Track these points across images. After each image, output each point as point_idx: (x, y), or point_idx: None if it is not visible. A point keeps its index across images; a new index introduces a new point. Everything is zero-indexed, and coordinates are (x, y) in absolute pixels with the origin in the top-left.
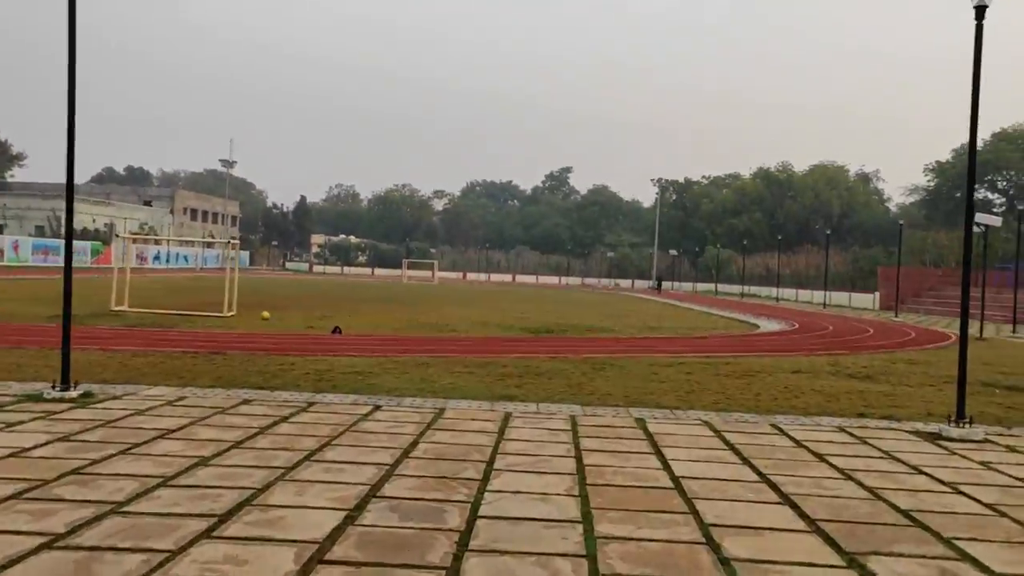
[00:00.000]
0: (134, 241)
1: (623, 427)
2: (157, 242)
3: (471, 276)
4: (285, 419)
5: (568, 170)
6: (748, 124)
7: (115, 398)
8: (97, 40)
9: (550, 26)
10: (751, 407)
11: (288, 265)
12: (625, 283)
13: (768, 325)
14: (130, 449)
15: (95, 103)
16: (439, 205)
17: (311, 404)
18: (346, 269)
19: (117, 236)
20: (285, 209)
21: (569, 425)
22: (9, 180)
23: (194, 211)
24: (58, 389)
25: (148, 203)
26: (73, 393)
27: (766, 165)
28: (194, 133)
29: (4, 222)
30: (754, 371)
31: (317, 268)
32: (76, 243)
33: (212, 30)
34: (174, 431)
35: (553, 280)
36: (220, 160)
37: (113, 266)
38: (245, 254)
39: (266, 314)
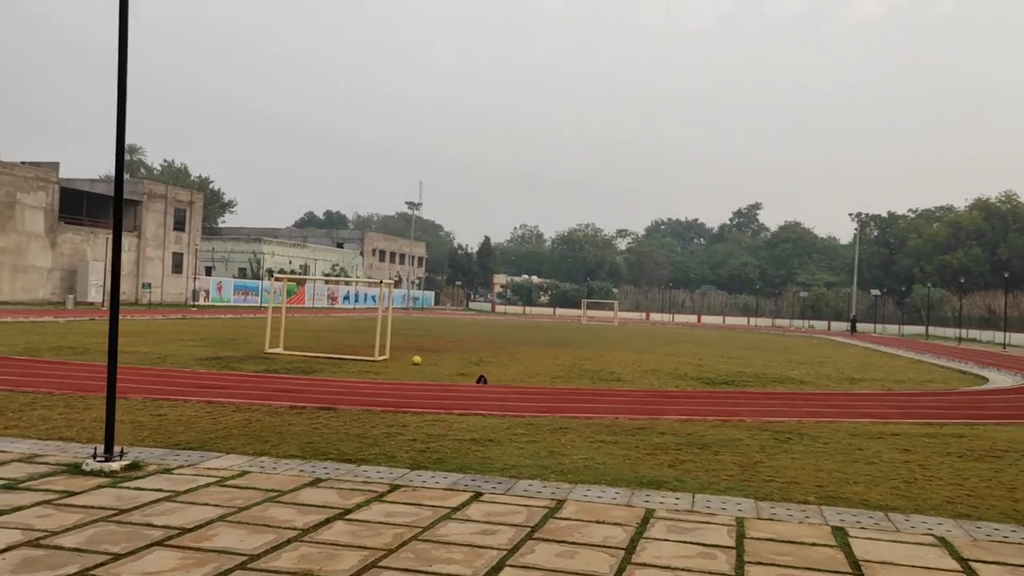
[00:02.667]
0: (290, 281)
1: (814, 543)
2: (326, 282)
3: (654, 317)
4: (345, 513)
5: (757, 206)
6: (957, 152)
7: (164, 471)
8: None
9: (733, 64)
10: (1007, 512)
11: (471, 305)
12: (820, 325)
13: (999, 378)
14: (100, 566)
15: (295, 151)
16: (623, 244)
17: (394, 487)
18: (528, 309)
19: (271, 276)
20: (470, 250)
21: (733, 538)
22: (221, 226)
23: (382, 252)
24: (99, 459)
25: (340, 245)
26: (115, 465)
27: (985, 196)
28: (386, 179)
29: (212, 264)
30: (999, 449)
31: (499, 308)
32: (270, 284)
33: (407, 95)
34: (189, 531)
35: (741, 321)
36: (406, 202)
37: (268, 306)
38: (430, 294)
39: (417, 359)
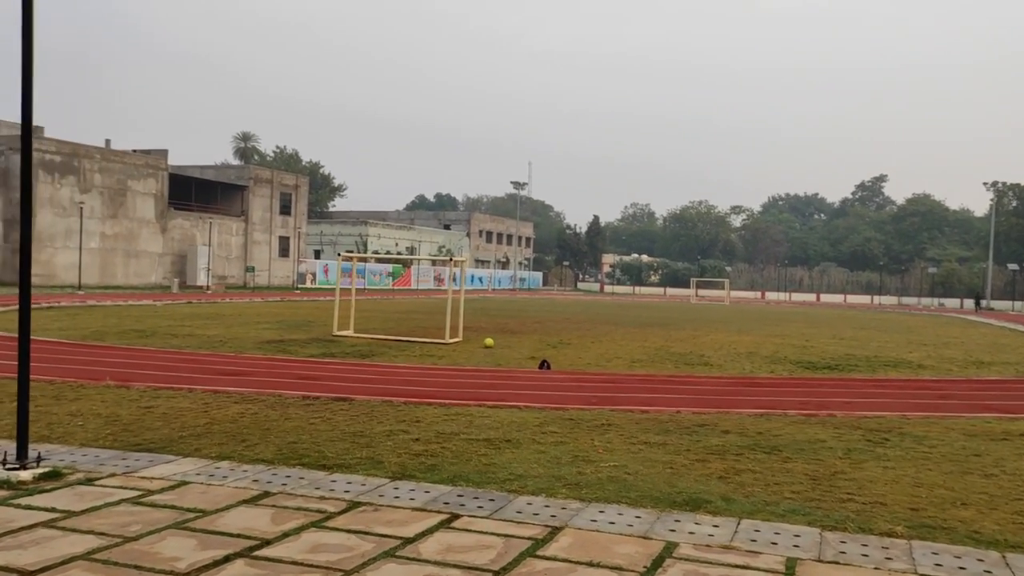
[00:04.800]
0: (348, 260)
1: None
2: (379, 261)
3: (770, 296)
4: (259, 546)
5: (882, 179)
6: None
7: (83, 482)
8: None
9: (851, 38)
10: None
11: (580, 285)
12: (952, 303)
13: None
14: None
15: (411, 136)
16: (737, 221)
17: (352, 506)
18: (638, 289)
19: (339, 255)
20: (578, 230)
21: None
22: (331, 210)
23: (489, 233)
24: (9, 466)
25: (447, 227)
26: (25, 474)
27: None
28: (497, 159)
29: (321, 247)
30: None
31: (608, 288)
32: (376, 267)
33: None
34: (29, 573)
35: (864, 300)
36: (512, 182)
37: (347, 288)
38: (538, 275)
39: (489, 341)
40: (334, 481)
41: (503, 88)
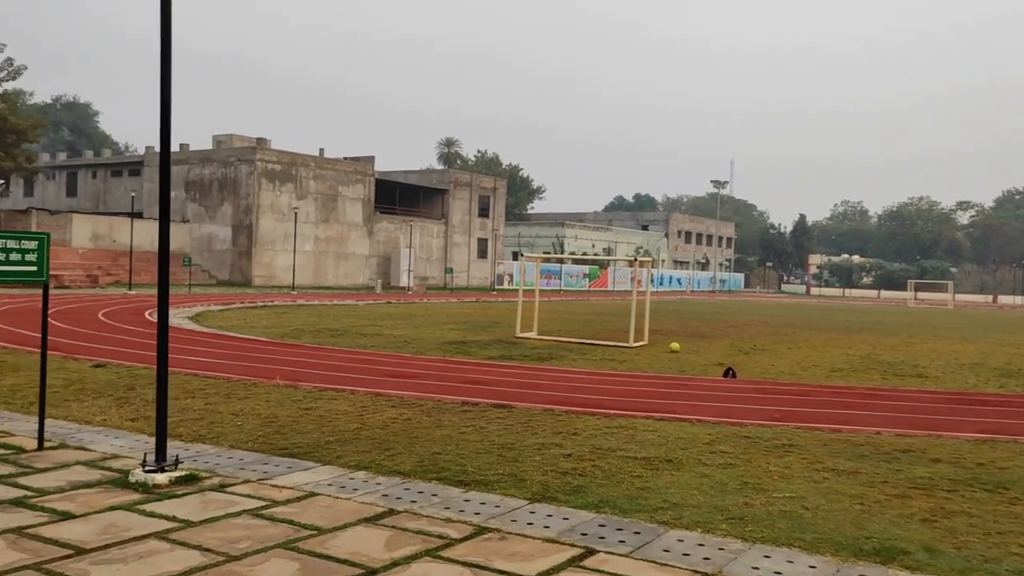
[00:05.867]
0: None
1: None
2: (570, 262)
3: (1003, 299)
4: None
5: None
6: None
7: (215, 489)
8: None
9: None
10: None
11: (784, 287)
12: None
13: None
14: None
15: (608, 139)
16: (964, 218)
17: (478, 532)
18: (847, 291)
19: (521, 255)
20: (783, 229)
21: None
22: (529, 212)
23: (688, 234)
24: (148, 468)
25: (645, 227)
26: (161, 477)
27: None
28: (697, 159)
29: (519, 249)
30: None
31: (814, 290)
32: (572, 268)
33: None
34: None
35: None
36: (712, 181)
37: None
38: (739, 276)
39: (675, 345)
40: (467, 501)
41: (702, 91)
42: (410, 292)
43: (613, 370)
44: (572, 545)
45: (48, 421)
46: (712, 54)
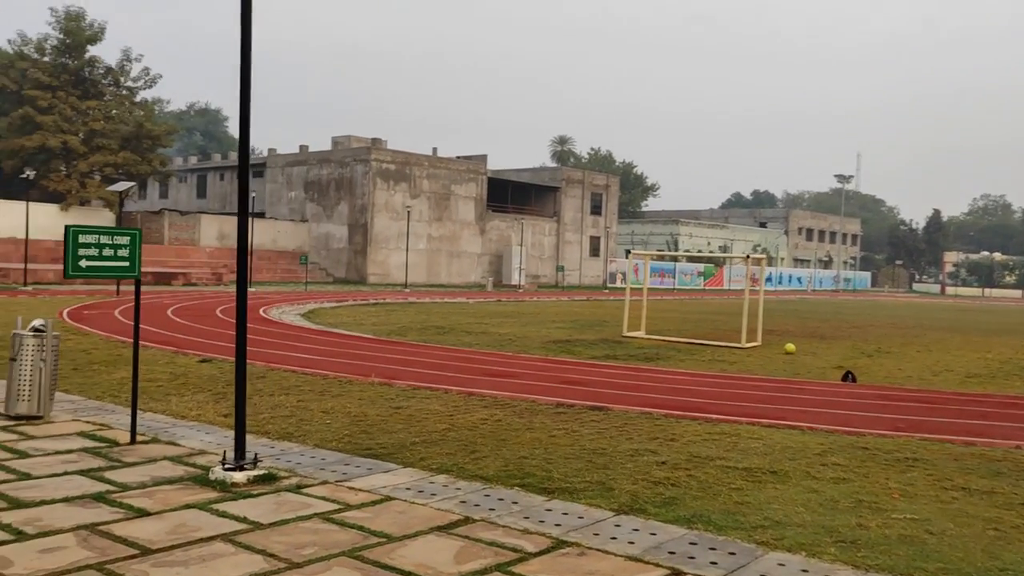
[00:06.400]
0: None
1: None
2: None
3: None
4: None
5: None
6: None
7: (291, 489)
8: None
9: None
10: None
11: (915, 287)
12: None
13: None
14: None
15: (725, 133)
16: None
17: (555, 546)
18: (988, 291)
19: (627, 253)
20: (914, 225)
21: None
22: (643, 209)
23: (809, 231)
24: (227, 466)
25: (763, 225)
26: (239, 476)
27: None
28: (820, 152)
29: (632, 247)
30: None
31: (949, 290)
32: (687, 266)
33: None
34: None
35: None
36: (835, 176)
37: (625, 289)
38: (865, 275)
39: (791, 347)
40: (549, 510)
41: (824, 84)
42: (521, 290)
43: (721, 372)
44: (657, 565)
45: (147, 415)
46: (835, 48)
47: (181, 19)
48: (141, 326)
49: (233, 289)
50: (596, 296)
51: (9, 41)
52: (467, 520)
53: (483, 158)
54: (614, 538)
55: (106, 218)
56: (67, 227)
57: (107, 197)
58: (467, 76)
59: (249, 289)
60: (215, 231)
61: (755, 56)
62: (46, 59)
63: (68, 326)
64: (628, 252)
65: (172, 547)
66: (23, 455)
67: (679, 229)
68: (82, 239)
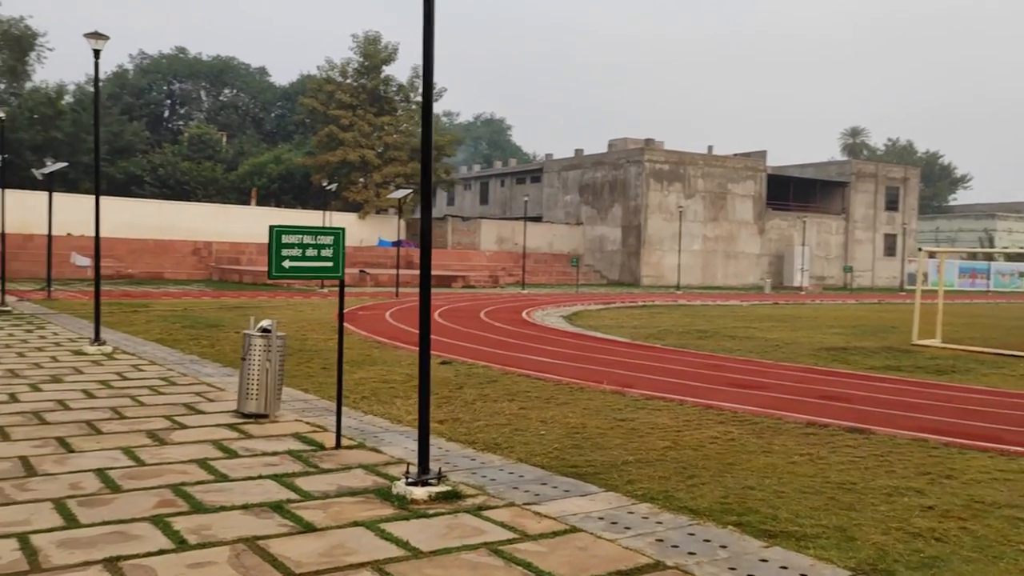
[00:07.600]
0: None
1: None
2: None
3: None
4: None
5: None
6: None
7: (470, 511)
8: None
9: None
10: None
11: None
12: None
13: None
14: None
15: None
16: None
17: None
18: None
19: (919, 250)
20: None
21: None
22: (951, 203)
23: None
24: (409, 481)
25: None
26: (420, 492)
27: None
28: None
29: (936, 245)
30: None
31: None
32: (1005, 266)
33: None
34: None
35: None
36: None
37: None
38: None
39: None
40: (763, 560)
41: None
42: (804, 292)
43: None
44: None
45: (366, 418)
46: None
47: (466, 38)
48: (401, 327)
49: (507, 292)
50: (889, 299)
51: (318, 68)
52: (656, 566)
53: (762, 154)
54: None
55: (397, 226)
56: (271, 227)
57: (397, 205)
58: (745, 67)
59: (522, 291)
60: (494, 235)
61: None
62: (348, 81)
63: (334, 326)
64: (920, 250)
65: (317, 572)
66: (233, 455)
67: (995, 224)
68: (285, 239)
